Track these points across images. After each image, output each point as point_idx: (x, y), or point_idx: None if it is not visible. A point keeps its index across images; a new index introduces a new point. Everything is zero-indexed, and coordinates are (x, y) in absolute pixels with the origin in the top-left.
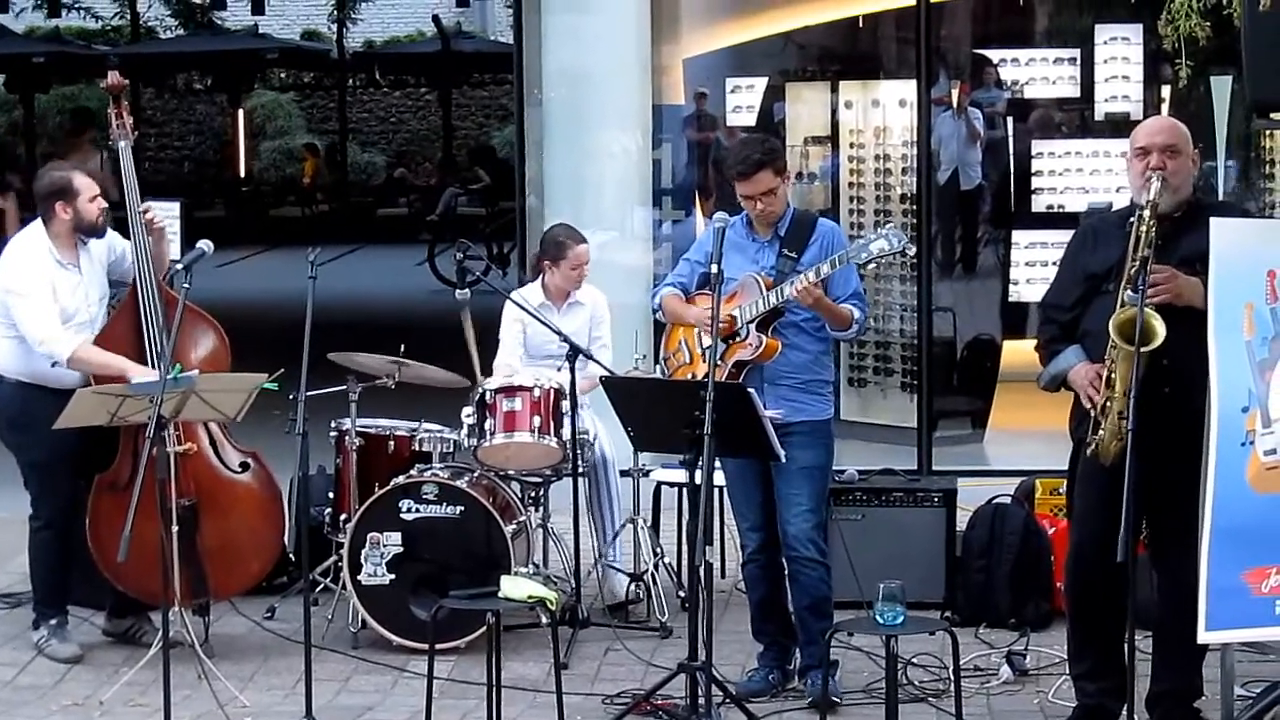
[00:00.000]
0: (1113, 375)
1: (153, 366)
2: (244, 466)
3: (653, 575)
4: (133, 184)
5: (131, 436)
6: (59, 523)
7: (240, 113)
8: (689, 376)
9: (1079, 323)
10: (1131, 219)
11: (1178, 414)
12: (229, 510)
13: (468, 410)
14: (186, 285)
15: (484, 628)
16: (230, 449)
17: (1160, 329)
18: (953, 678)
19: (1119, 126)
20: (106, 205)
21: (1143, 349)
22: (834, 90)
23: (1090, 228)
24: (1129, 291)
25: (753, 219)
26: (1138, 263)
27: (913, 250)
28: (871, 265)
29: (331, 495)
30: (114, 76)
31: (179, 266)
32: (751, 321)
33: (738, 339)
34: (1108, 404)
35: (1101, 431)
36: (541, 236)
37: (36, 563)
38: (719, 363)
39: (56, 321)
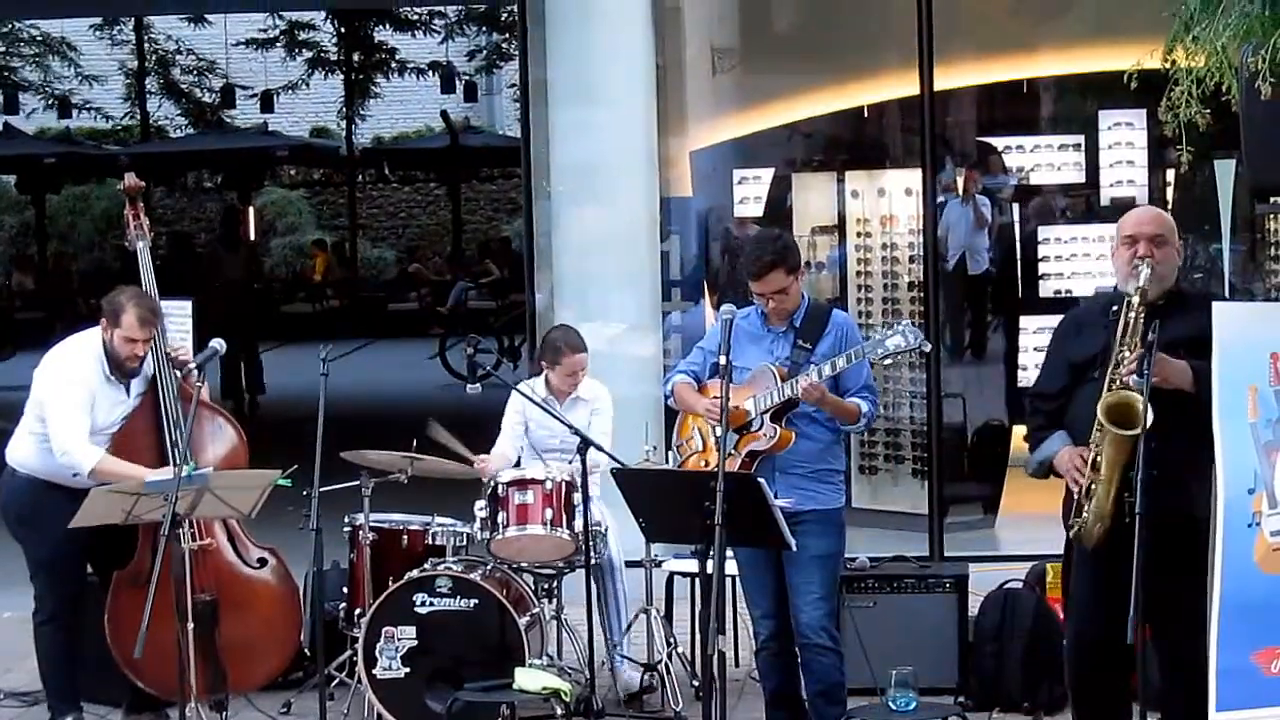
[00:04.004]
0: (1098, 458)
1: (172, 462)
2: (262, 562)
3: (666, 665)
4: (151, 284)
5: (150, 533)
6: (63, 617)
7: (250, 210)
8: (702, 464)
9: (1065, 410)
10: (1115, 307)
11: (1166, 496)
12: (247, 606)
13: (480, 504)
14: (200, 384)
15: None
16: (249, 545)
17: (1147, 414)
18: None
19: (1124, 211)
20: (142, 355)
21: (1127, 431)
22: (840, 180)
23: (1074, 317)
24: (1134, 377)
25: (766, 313)
26: (1126, 349)
27: (929, 348)
28: (888, 361)
29: (346, 590)
30: (131, 179)
31: (193, 366)
32: (766, 412)
33: (752, 429)
34: (1093, 486)
35: (1086, 514)
36: (543, 336)
37: (43, 658)
38: (732, 452)
39: (84, 434)
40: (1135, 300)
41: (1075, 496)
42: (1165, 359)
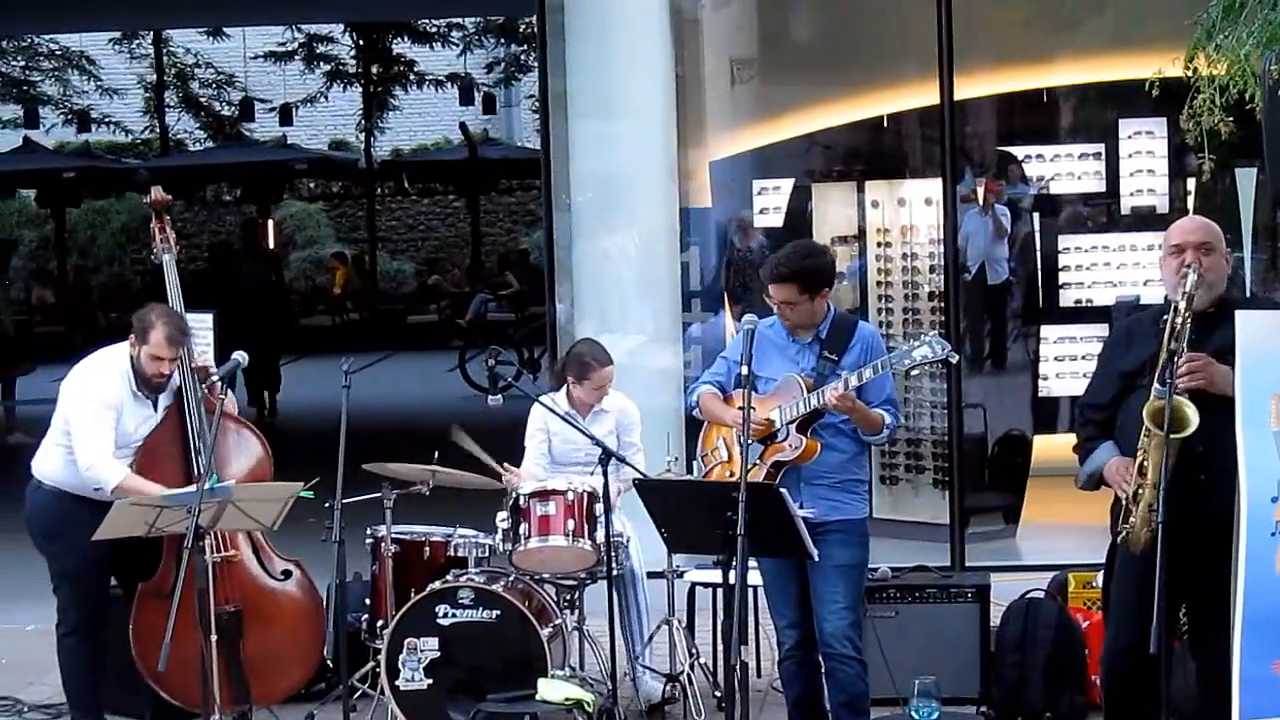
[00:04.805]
0: (1145, 463)
1: (197, 474)
2: (286, 574)
3: (688, 676)
4: (177, 296)
5: (175, 545)
6: (86, 629)
7: (270, 223)
8: (727, 475)
9: (1114, 421)
10: (1165, 316)
11: (1213, 501)
12: (271, 618)
13: (502, 515)
14: (224, 396)
15: None
16: (273, 557)
17: (1193, 416)
18: None
19: (1145, 220)
20: (168, 374)
21: (1175, 435)
22: (860, 190)
23: (1125, 328)
24: (1158, 384)
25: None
26: (1169, 353)
27: (956, 358)
28: (915, 371)
29: (368, 602)
30: (157, 192)
31: (216, 378)
32: (791, 422)
33: (777, 439)
34: (1139, 491)
35: (1133, 519)
36: (567, 350)
37: (67, 671)
38: (757, 462)
39: (109, 451)
40: (1181, 305)
41: (1124, 502)
42: (1213, 363)
